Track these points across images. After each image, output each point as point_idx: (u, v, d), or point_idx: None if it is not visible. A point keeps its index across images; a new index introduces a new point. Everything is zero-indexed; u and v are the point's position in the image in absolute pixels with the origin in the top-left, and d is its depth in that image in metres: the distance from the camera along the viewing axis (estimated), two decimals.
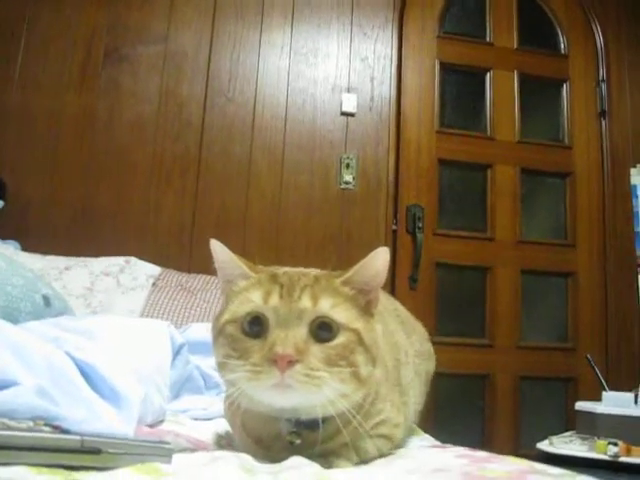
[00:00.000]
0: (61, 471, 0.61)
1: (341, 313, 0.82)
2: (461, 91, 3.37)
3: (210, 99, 2.99)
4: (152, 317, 2.24)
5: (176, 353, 1.41)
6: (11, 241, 2.57)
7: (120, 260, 2.54)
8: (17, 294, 1.41)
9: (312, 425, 0.84)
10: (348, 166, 3.01)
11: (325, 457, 0.84)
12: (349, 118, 3.09)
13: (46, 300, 1.53)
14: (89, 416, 0.89)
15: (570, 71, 3.39)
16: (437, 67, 3.25)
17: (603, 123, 3.34)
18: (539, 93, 3.42)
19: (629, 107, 3.36)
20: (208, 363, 1.54)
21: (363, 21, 3.20)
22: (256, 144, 2.98)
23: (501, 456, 0.91)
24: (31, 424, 0.73)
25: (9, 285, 1.40)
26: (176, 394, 1.43)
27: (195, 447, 1.00)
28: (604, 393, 2.32)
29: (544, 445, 2.24)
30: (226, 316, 0.84)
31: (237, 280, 0.87)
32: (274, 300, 0.80)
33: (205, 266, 2.66)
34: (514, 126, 3.27)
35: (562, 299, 3.19)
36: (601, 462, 2.03)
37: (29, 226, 2.71)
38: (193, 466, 0.75)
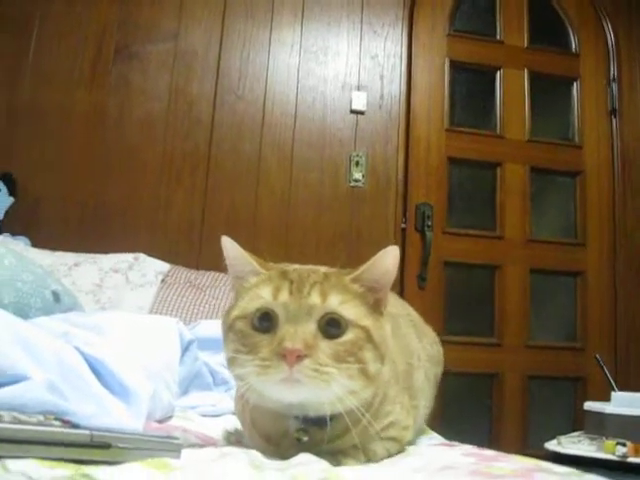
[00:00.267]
0: (71, 465, 0.62)
1: (350, 310, 0.82)
2: (471, 89, 3.36)
3: (220, 97, 2.99)
4: (161, 314, 2.25)
5: (185, 349, 1.42)
6: (21, 237, 2.58)
7: (129, 257, 2.55)
8: (27, 290, 1.42)
9: (320, 423, 0.84)
10: (358, 164, 3.01)
11: (333, 455, 0.84)
12: (359, 116, 3.09)
13: (56, 296, 1.54)
14: (98, 411, 0.89)
15: (581, 69, 3.37)
16: (447, 65, 3.25)
17: (614, 122, 3.33)
18: (549, 91, 3.41)
19: None
20: (217, 360, 1.55)
21: (373, 19, 3.20)
22: (266, 142, 2.99)
23: (508, 455, 0.92)
24: (41, 418, 0.73)
25: (19, 281, 1.41)
26: (185, 390, 1.44)
27: (204, 443, 1.00)
28: (613, 393, 2.31)
29: (552, 445, 2.24)
30: (236, 312, 0.84)
31: (247, 276, 0.87)
32: (284, 296, 0.80)
33: (214, 263, 2.67)
34: (524, 125, 3.26)
35: (571, 298, 3.18)
36: (609, 462, 2.02)
37: (39, 222, 2.72)
38: (202, 461, 0.75)
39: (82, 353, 0.98)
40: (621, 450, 2.00)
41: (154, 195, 2.86)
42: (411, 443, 1.08)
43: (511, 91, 3.29)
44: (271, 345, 0.78)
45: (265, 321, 0.81)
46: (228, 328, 0.85)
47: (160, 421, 1.17)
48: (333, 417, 0.83)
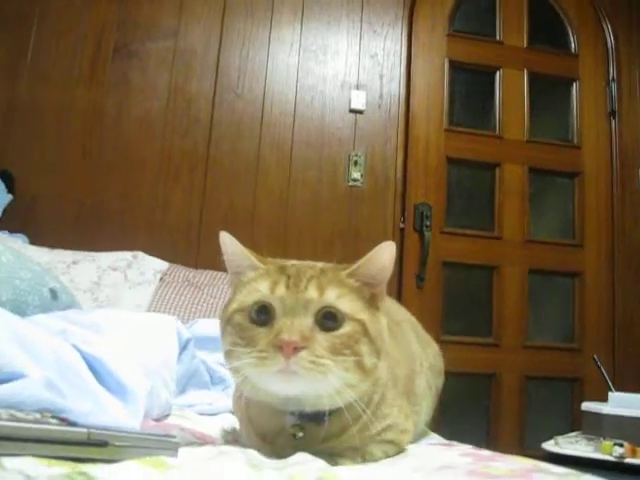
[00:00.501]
0: (68, 463, 0.62)
1: (346, 304, 0.83)
2: (470, 89, 3.37)
3: (219, 95, 2.99)
4: (159, 312, 2.25)
5: (183, 348, 1.42)
6: (19, 234, 2.58)
7: (128, 255, 2.55)
8: (25, 287, 1.41)
9: (316, 419, 0.84)
10: (356, 163, 3.01)
11: (330, 456, 0.84)
12: (358, 115, 3.09)
13: (53, 294, 1.54)
14: (96, 409, 0.89)
15: (580, 70, 3.37)
16: (446, 65, 3.25)
17: (613, 123, 3.33)
18: (549, 92, 3.41)
19: (639, 107, 3.35)
20: (214, 358, 1.54)
21: (373, 18, 3.20)
22: (264, 141, 2.98)
23: (506, 455, 0.92)
24: (38, 416, 0.73)
25: (17, 278, 1.41)
26: (182, 389, 1.43)
27: (201, 441, 1.00)
28: (610, 394, 2.31)
29: (549, 445, 2.24)
30: (234, 305, 0.85)
31: (246, 271, 0.88)
32: (281, 290, 0.81)
33: (212, 262, 2.68)
34: (523, 125, 3.27)
35: (569, 299, 3.18)
36: (606, 463, 2.02)
37: (37, 220, 2.72)
38: (199, 460, 0.75)
39: (80, 351, 0.98)
40: (618, 451, 2.00)
41: (152, 193, 2.86)
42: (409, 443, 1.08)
43: (510, 91, 3.29)
44: (268, 337, 0.78)
45: (262, 314, 0.82)
46: (226, 321, 0.85)
47: (157, 419, 1.17)
48: (331, 413, 0.84)
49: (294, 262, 0.89)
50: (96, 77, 2.91)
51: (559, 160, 3.27)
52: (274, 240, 2.82)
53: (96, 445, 0.66)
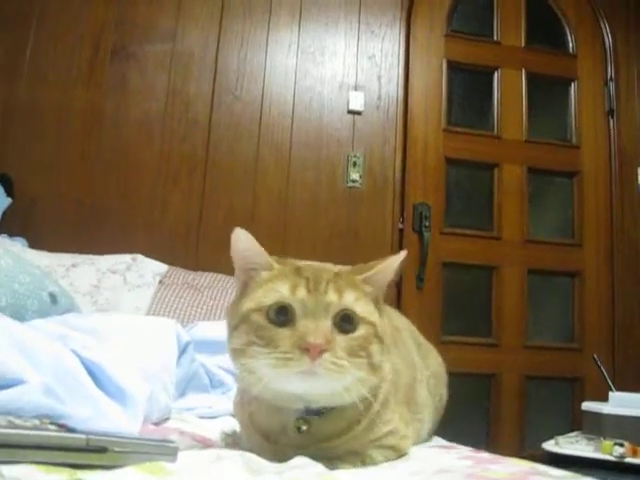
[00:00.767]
0: (67, 470, 0.62)
1: (362, 307, 0.85)
2: (468, 90, 3.36)
3: (217, 97, 2.99)
4: (158, 315, 2.25)
5: (182, 351, 1.42)
6: (18, 238, 2.58)
7: (127, 258, 2.54)
8: (24, 291, 1.41)
9: (320, 412, 0.87)
10: (355, 164, 3.01)
11: (330, 460, 0.84)
12: (356, 116, 3.08)
13: (53, 298, 1.54)
14: (95, 414, 0.89)
15: (578, 70, 3.37)
16: (444, 66, 3.24)
17: (611, 122, 3.33)
18: (547, 92, 3.41)
19: (637, 107, 3.35)
20: (214, 361, 1.55)
21: (371, 19, 3.20)
22: (263, 142, 2.98)
23: (505, 457, 0.92)
24: (37, 422, 0.73)
25: (16, 283, 1.41)
26: (182, 392, 1.43)
27: (201, 445, 1.00)
28: (611, 393, 2.31)
29: (550, 445, 2.24)
30: (251, 304, 0.85)
31: (258, 269, 0.89)
32: (301, 292, 0.83)
33: (212, 264, 2.68)
34: (521, 125, 3.26)
35: (569, 299, 3.18)
36: (607, 463, 2.02)
37: (36, 223, 2.71)
38: (198, 465, 0.75)
39: (79, 356, 0.98)
40: (619, 450, 2.00)
41: (151, 195, 2.85)
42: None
43: (508, 91, 3.29)
44: (291, 339, 0.80)
45: (282, 315, 0.83)
46: (241, 319, 0.85)
47: (157, 423, 1.17)
48: (337, 409, 0.86)
49: (307, 263, 0.91)
50: (94, 78, 2.91)
51: (558, 160, 3.27)
52: (273, 241, 2.81)
53: (95, 451, 0.67)
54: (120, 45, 2.95)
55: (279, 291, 0.84)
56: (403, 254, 0.91)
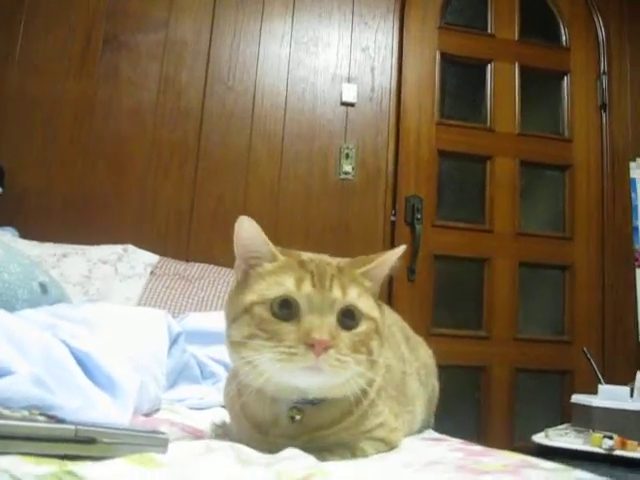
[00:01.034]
0: (56, 461, 0.61)
1: (364, 303, 0.86)
2: (462, 82, 3.36)
3: (210, 87, 2.98)
4: (150, 305, 2.24)
5: (173, 342, 1.41)
6: (8, 228, 2.56)
7: (118, 248, 2.53)
8: (14, 281, 1.41)
9: (314, 401, 0.87)
10: (347, 156, 3.00)
11: (320, 452, 0.84)
12: (349, 108, 3.08)
13: (43, 287, 1.53)
14: (85, 405, 0.89)
15: (571, 64, 3.37)
16: (438, 58, 3.24)
17: (603, 116, 3.33)
18: (540, 85, 3.41)
19: (629, 100, 3.35)
20: (205, 352, 1.54)
21: (364, 10, 3.19)
22: (255, 133, 2.97)
23: (495, 450, 0.92)
24: (26, 413, 0.72)
25: (6, 272, 1.40)
26: (172, 383, 1.43)
27: (191, 436, 1.00)
28: (600, 386, 2.32)
29: (539, 437, 2.25)
30: (253, 297, 0.84)
31: (261, 260, 0.88)
32: (307, 287, 0.82)
33: (203, 255, 2.68)
34: (514, 118, 3.26)
35: (559, 292, 3.19)
36: (596, 455, 2.03)
37: (27, 213, 2.70)
38: (188, 456, 0.75)
39: (68, 346, 0.98)
40: (608, 443, 2.02)
41: (142, 186, 2.84)
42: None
43: (501, 84, 3.29)
44: (296, 334, 0.79)
45: (285, 309, 0.82)
46: (242, 311, 0.84)
47: (147, 414, 1.17)
48: (331, 399, 0.87)
49: (310, 255, 0.91)
50: (86, 69, 2.89)
51: (550, 153, 3.27)
52: (265, 232, 2.77)
53: (84, 442, 0.66)
54: (112, 35, 2.93)
55: (284, 285, 0.83)
56: (402, 249, 0.91)
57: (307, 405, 0.87)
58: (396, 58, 3.18)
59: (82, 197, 2.77)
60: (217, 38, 3.02)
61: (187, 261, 2.63)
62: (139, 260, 2.50)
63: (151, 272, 2.47)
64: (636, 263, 3.16)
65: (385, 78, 3.14)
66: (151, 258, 2.55)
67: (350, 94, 3.07)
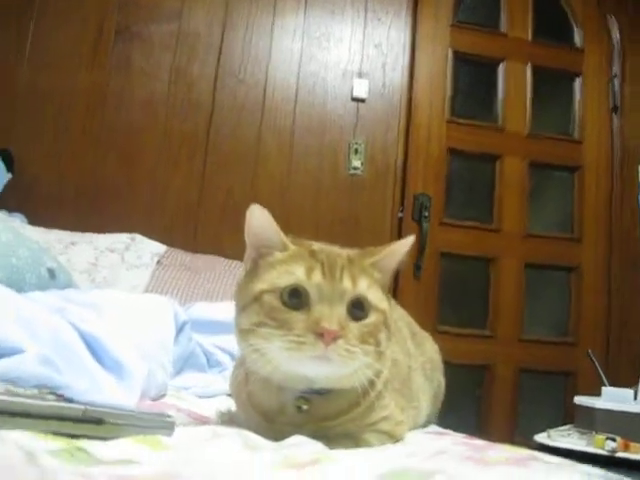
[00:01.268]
0: (65, 438, 0.62)
1: (373, 294, 0.86)
2: (473, 81, 3.36)
3: (221, 80, 2.98)
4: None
5: (179, 330, 1.42)
6: (17, 214, 2.57)
7: (125, 237, 2.54)
8: (22, 266, 1.42)
9: (322, 391, 0.87)
10: (357, 152, 3.00)
11: (324, 442, 0.84)
12: (360, 104, 3.07)
13: (51, 273, 1.54)
14: (92, 386, 0.90)
15: (584, 65, 3.36)
16: (450, 56, 3.23)
17: (614, 119, 3.32)
18: (552, 86, 3.40)
19: None
20: (211, 341, 1.55)
21: (377, 7, 3.18)
22: (265, 126, 2.97)
23: (499, 444, 0.92)
24: (35, 392, 0.73)
25: (14, 257, 1.41)
26: (178, 371, 1.44)
27: (197, 422, 1.00)
28: (604, 388, 2.31)
29: (541, 437, 2.24)
30: (263, 285, 0.84)
31: (272, 249, 0.88)
32: (317, 277, 0.82)
33: (210, 246, 2.68)
34: (525, 118, 3.25)
35: (565, 293, 3.19)
36: (598, 457, 2.02)
37: (36, 200, 2.70)
38: (194, 440, 0.75)
39: (77, 329, 0.98)
40: (610, 445, 2.01)
41: (152, 177, 2.85)
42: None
43: (513, 84, 3.28)
44: (306, 323, 0.79)
45: (295, 298, 0.82)
46: (252, 300, 0.84)
47: (153, 399, 1.17)
48: (339, 390, 0.87)
49: (321, 245, 0.91)
50: (98, 59, 2.89)
51: (560, 154, 3.26)
52: None
53: (92, 422, 0.67)
54: (124, 25, 2.93)
55: (294, 274, 0.83)
56: (411, 239, 0.90)
57: (314, 395, 0.87)
58: (408, 55, 3.17)
59: (93, 187, 2.78)
60: (229, 31, 3.02)
61: (194, 252, 2.63)
62: (146, 250, 2.51)
63: (158, 262, 2.47)
64: None
65: (397, 75, 3.14)
66: (158, 248, 2.55)
67: (361, 90, 3.07)
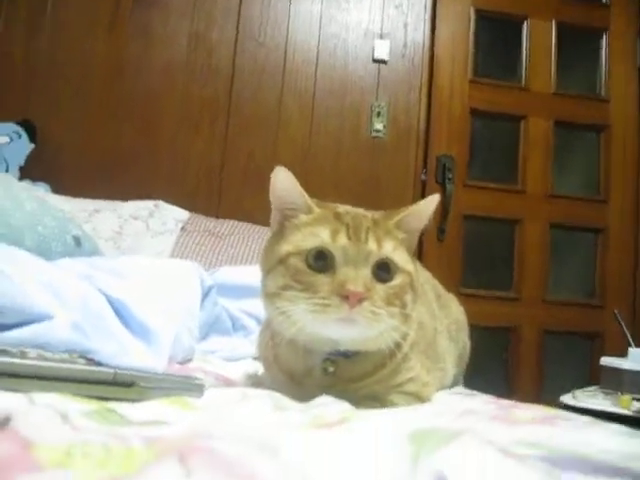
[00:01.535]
0: (95, 401, 0.62)
1: (399, 256, 0.85)
2: (496, 40, 3.29)
3: (240, 44, 2.95)
4: None
5: (205, 294, 1.43)
6: (41, 183, 2.59)
7: (149, 204, 2.55)
8: (48, 234, 1.43)
9: (348, 354, 0.87)
10: (379, 114, 2.97)
11: (351, 403, 0.85)
12: (381, 65, 3.03)
13: (77, 241, 1.55)
14: (120, 351, 0.91)
15: (611, 22, 3.27)
16: (472, 14, 3.16)
17: None
18: (577, 44, 3.32)
19: None
20: (236, 306, 1.55)
21: None
22: (287, 89, 2.95)
23: (527, 404, 0.92)
24: (66, 356, 0.74)
25: (40, 225, 1.42)
26: (204, 335, 1.45)
27: (224, 384, 1.01)
28: (630, 349, 2.30)
29: (567, 398, 2.24)
30: (289, 247, 0.84)
31: (297, 212, 0.88)
32: (342, 239, 0.82)
33: (233, 211, 2.68)
34: (550, 77, 3.18)
35: (591, 255, 3.16)
36: (624, 417, 2.02)
37: (59, 169, 2.72)
38: (224, 402, 0.76)
39: (105, 295, 0.99)
40: (636, 405, 2.00)
41: (173, 143, 2.85)
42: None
43: (537, 42, 3.20)
44: (331, 285, 0.79)
45: (321, 260, 0.82)
46: (278, 262, 0.85)
47: (180, 364, 1.19)
48: (365, 352, 0.87)
49: (346, 208, 0.90)
50: (116, 27, 2.88)
51: (586, 114, 3.20)
52: None
53: (122, 385, 0.67)
54: None
55: (319, 236, 0.83)
56: (436, 198, 0.89)
57: (340, 357, 0.87)
58: (429, 14, 3.11)
59: (113, 154, 2.79)
60: None
61: (217, 217, 2.64)
62: (170, 216, 2.52)
63: (182, 228, 2.49)
64: None
65: (418, 34, 3.09)
66: (182, 214, 2.56)
67: (382, 51, 3.02)
